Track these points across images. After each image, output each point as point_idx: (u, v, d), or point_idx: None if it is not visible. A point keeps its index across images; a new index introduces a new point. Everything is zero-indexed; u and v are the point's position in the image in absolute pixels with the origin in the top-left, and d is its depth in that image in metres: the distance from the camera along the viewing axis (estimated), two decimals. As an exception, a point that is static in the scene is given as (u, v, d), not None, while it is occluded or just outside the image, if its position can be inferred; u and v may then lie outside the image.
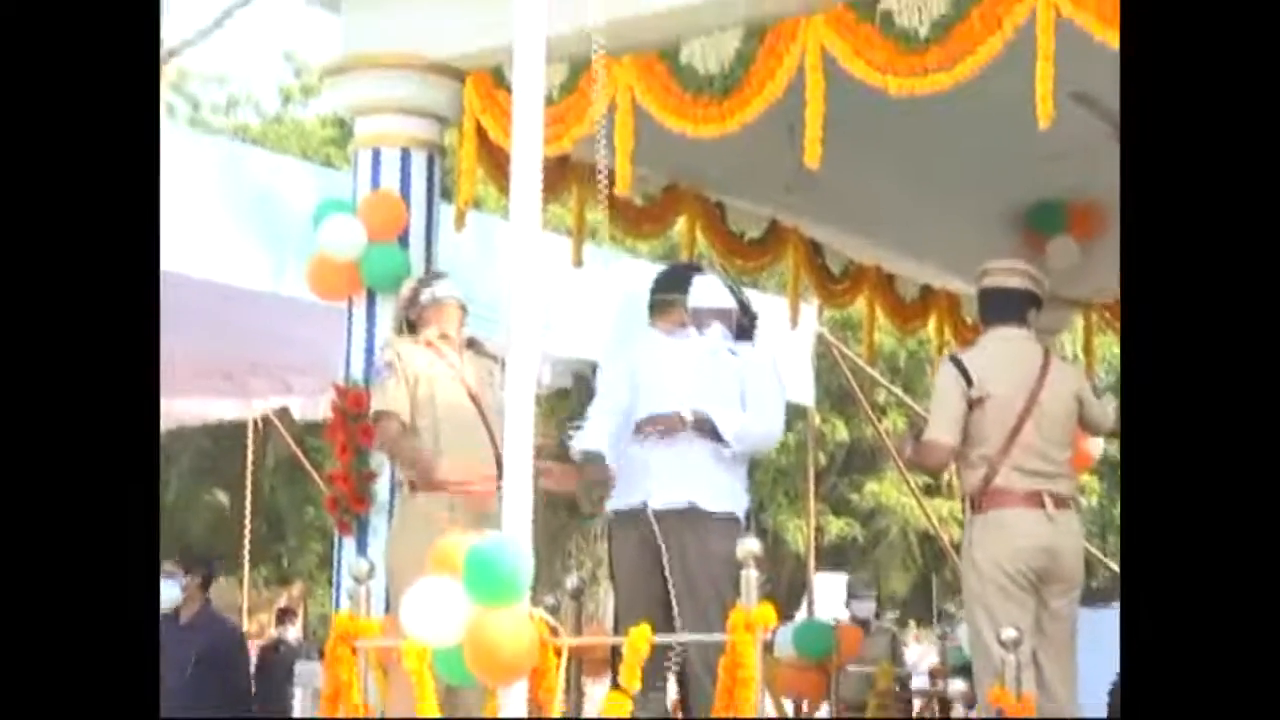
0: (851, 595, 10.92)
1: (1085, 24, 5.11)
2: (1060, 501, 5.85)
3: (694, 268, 6.58)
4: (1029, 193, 8.25)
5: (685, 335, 6.07)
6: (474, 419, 6.01)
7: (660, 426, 5.86)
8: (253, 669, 11.88)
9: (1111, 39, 5.02)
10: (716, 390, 5.91)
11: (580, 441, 5.96)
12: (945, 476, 17.07)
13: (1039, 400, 5.88)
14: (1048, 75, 5.14)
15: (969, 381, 5.86)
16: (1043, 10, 5.18)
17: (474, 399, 6.04)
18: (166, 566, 7.59)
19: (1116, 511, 19.09)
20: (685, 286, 6.15)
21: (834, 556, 21.49)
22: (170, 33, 6.61)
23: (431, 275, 6.29)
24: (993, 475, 5.82)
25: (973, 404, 5.86)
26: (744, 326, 6.13)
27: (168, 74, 6.39)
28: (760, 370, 6.04)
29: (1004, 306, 6.06)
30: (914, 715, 8.08)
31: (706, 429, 5.85)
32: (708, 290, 6.11)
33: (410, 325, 6.19)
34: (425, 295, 6.16)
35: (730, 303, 6.12)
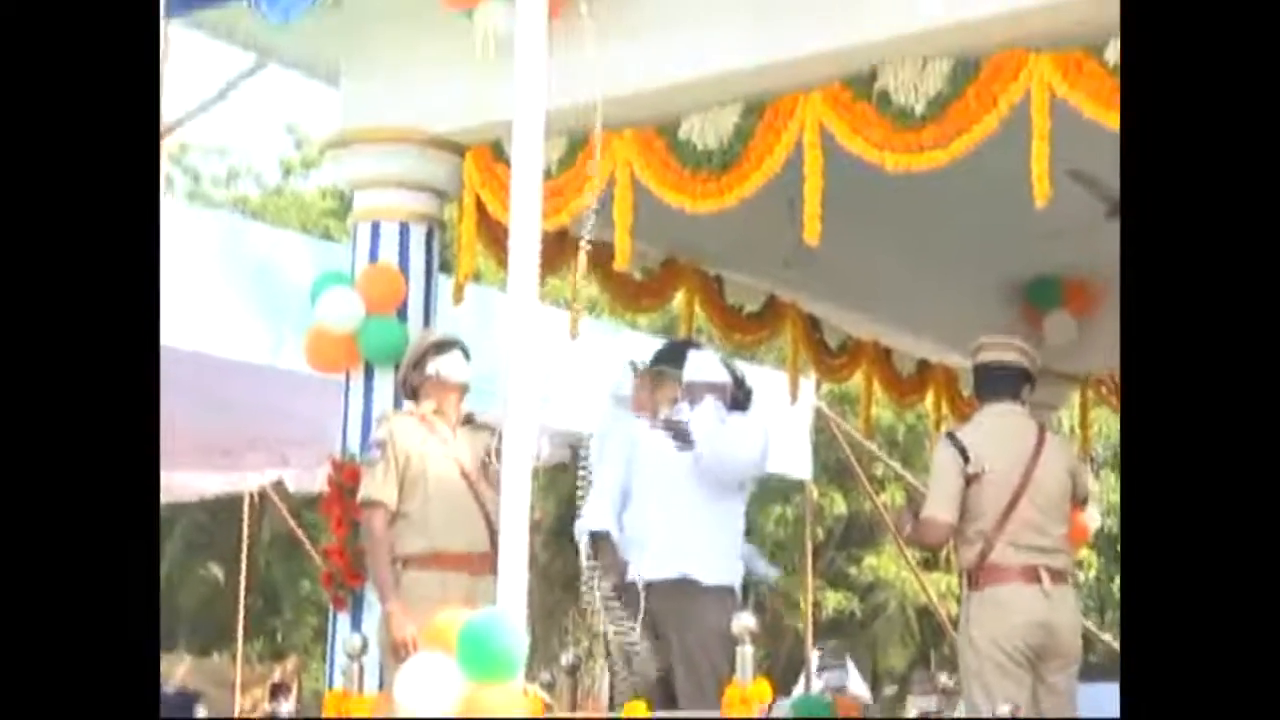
0: (822, 667, 10.90)
1: (1078, 104, 5.16)
2: (1057, 576, 5.85)
3: (689, 343, 6.61)
4: (1026, 268, 8.29)
5: (679, 410, 6.10)
6: (465, 496, 6.00)
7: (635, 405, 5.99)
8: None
9: (1104, 118, 5.07)
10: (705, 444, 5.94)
11: (585, 524, 5.97)
12: (943, 551, 17.03)
13: (1034, 476, 5.90)
14: (1043, 154, 5.18)
15: (966, 458, 5.88)
16: (1037, 90, 5.23)
17: (466, 476, 6.03)
18: None
19: (1114, 586, 19.02)
20: (680, 362, 6.18)
21: (832, 631, 21.38)
22: (172, 105, 6.66)
23: (444, 343, 6.22)
24: (989, 551, 5.82)
25: (970, 480, 5.87)
26: (738, 400, 6.15)
27: (168, 146, 6.44)
28: (747, 427, 6.07)
29: (998, 383, 6.10)
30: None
31: (681, 432, 5.87)
32: (701, 365, 6.14)
33: (411, 390, 6.18)
34: (430, 368, 6.13)
35: (724, 377, 6.14)
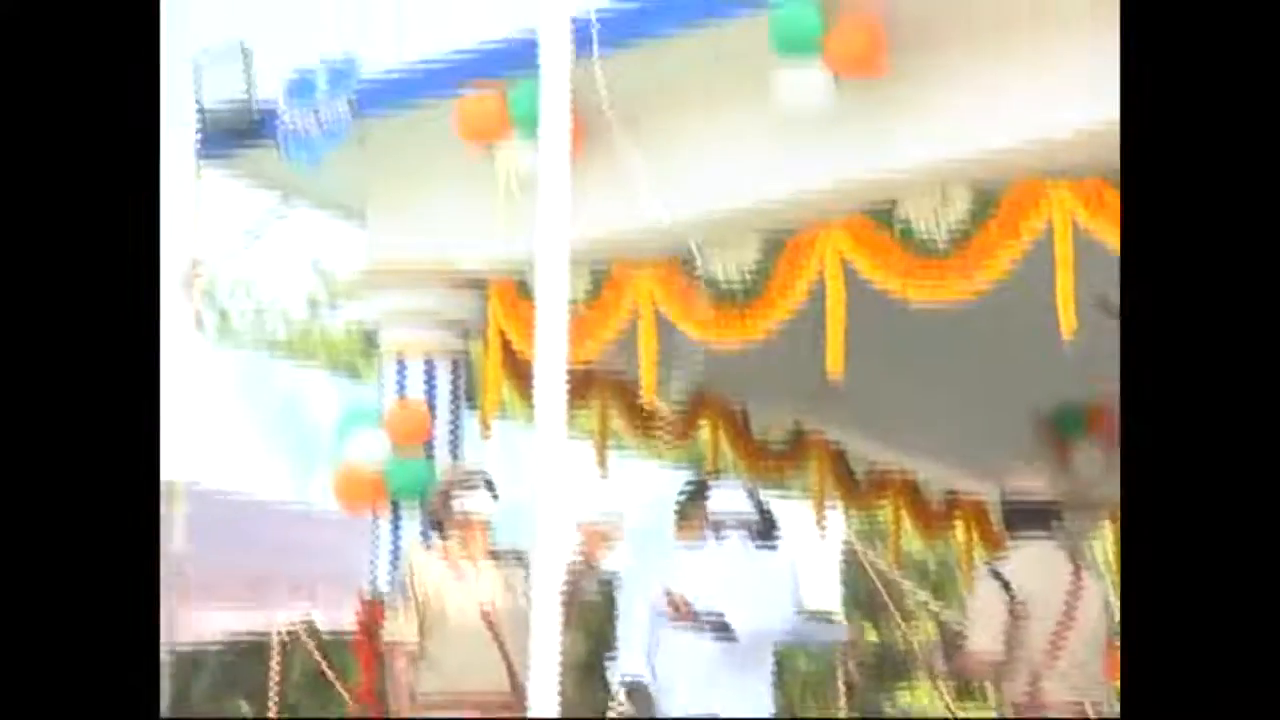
0: None
1: (1100, 233, 5.17)
2: (1100, 711, 5.78)
3: (712, 478, 6.64)
4: (1052, 397, 8.27)
5: (703, 545, 6.10)
6: (484, 637, 5.90)
7: (675, 616, 5.89)
8: None
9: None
10: (733, 596, 5.91)
11: (620, 669, 5.95)
12: (978, 683, 16.80)
13: (1075, 610, 5.84)
14: (1068, 284, 5.17)
15: (1010, 592, 5.82)
16: (1059, 219, 5.25)
17: (485, 616, 5.93)
18: None
19: None
20: (704, 497, 6.20)
21: (867, 768, 21.10)
22: (202, 245, 6.76)
23: (470, 478, 6.15)
24: (1036, 686, 5.75)
25: (1014, 613, 5.81)
26: (763, 530, 6.14)
27: (199, 285, 6.53)
28: (774, 568, 6.06)
29: (1028, 515, 6.05)
30: None
31: (719, 625, 5.84)
32: (724, 500, 6.15)
33: (438, 524, 6.17)
34: (456, 504, 6.08)
35: (748, 509, 6.14)
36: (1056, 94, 5.22)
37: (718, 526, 6.10)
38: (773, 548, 6.18)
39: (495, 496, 6.13)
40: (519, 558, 5.90)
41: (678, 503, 6.30)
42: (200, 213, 6.64)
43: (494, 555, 6.10)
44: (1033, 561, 5.95)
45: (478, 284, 6.50)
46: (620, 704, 5.99)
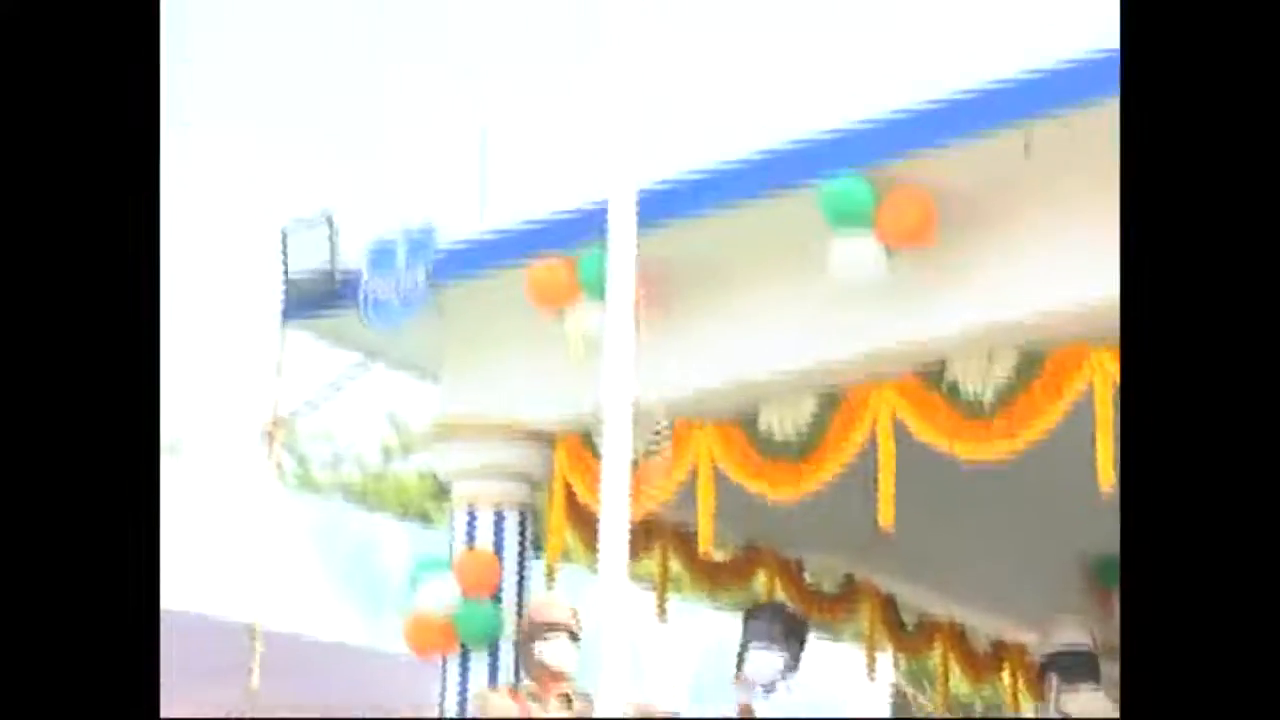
0: None
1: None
2: None
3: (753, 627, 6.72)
4: (1096, 547, 8.38)
5: (753, 697, 6.28)
6: None
7: None
8: None
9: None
10: None
11: None
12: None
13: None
14: (1107, 445, 5.33)
15: None
16: (1100, 383, 5.43)
17: None
18: None
19: None
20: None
21: None
22: (285, 400, 7.02)
23: (553, 628, 6.20)
24: None
25: None
26: (795, 647, 6.30)
27: (280, 439, 6.77)
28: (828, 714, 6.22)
29: (1073, 667, 6.13)
30: None
31: None
32: (761, 667, 6.30)
33: (522, 665, 6.31)
34: (537, 651, 6.20)
35: (785, 653, 6.29)
36: (1097, 262, 5.32)
37: (766, 689, 6.27)
38: (802, 644, 6.33)
39: (578, 645, 6.20)
40: (586, 698, 6.01)
41: (739, 655, 6.47)
42: (283, 371, 6.89)
43: (568, 699, 6.16)
44: (1083, 709, 6.04)
45: (545, 438, 6.73)
46: None
